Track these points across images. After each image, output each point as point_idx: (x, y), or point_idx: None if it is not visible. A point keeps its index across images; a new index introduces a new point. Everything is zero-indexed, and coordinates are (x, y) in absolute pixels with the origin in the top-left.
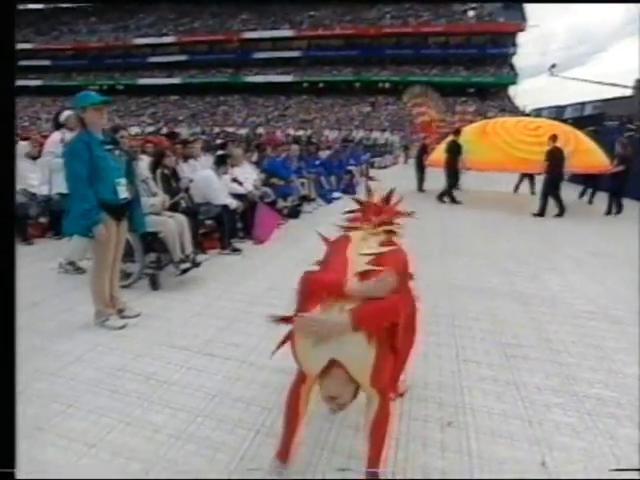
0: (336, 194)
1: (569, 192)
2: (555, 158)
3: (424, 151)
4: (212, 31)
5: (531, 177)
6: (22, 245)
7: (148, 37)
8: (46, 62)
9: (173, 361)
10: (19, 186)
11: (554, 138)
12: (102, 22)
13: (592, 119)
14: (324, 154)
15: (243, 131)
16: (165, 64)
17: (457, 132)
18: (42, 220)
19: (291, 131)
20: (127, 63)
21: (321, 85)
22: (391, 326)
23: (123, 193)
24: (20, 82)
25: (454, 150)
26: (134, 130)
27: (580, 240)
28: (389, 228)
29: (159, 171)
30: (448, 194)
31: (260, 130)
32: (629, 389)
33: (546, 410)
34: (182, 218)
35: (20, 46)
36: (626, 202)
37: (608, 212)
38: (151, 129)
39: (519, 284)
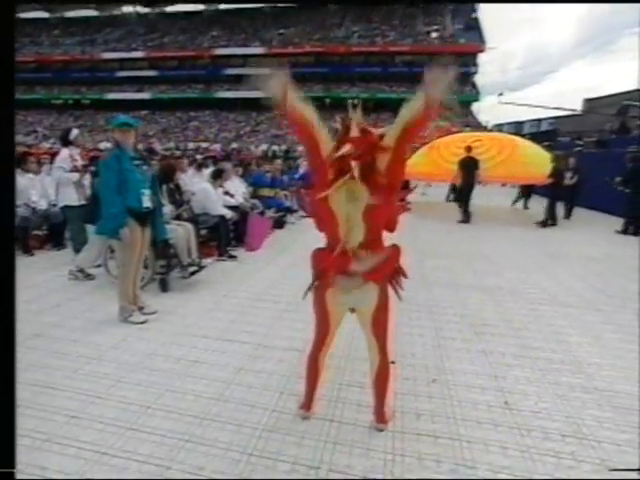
0: None
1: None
2: (467, 167)
3: None
4: (182, 47)
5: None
6: (24, 257)
7: (116, 52)
8: None
9: (197, 346)
10: (20, 201)
11: (468, 149)
12: (67, 35)
13: (547, 135)
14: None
15: (216, 146)
16: (134, 79)
17: None
18: (40, 233)
19: (264, 146)
20: (94, 77)
21: None
22: (393, 271)
23: (147, 202)
24: None
25: None
26: (103, 145)
27: (539, 244)
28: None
29: (165, 185)
30: None
31: (234, 145)
32: (571, 352)
33: (508, 369)
34: (189, 226)
35: None
36: (577, 210)
37: (566, 217)
38: None
39: (485, 279)
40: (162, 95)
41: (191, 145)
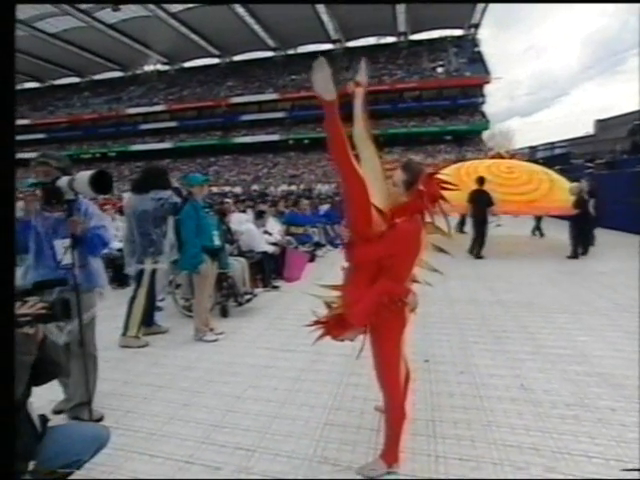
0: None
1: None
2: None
3: None
4: (200, 98)
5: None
6: None
7: (139, 107)
8: (41, 135)
9: (264, 355)
10: None
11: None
12: (95, 96)
13: (560, 158)
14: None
15: (237, 189)
16: (156, 130)
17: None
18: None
19: (284, 187)
20: (119, 131)
21: (306, 141)
22: None
23: (217, 241)
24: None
25: None
26: (128, 195)
27: (552, 263)
28: None
29: None
30: None
31: (254, 187)
32: (578, 348)
33: (523, 362)
34: (243, 261)
35: (17, 122)
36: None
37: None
38: None
39: (502, 295)
40: (183, 144)
41: (214, 189)
